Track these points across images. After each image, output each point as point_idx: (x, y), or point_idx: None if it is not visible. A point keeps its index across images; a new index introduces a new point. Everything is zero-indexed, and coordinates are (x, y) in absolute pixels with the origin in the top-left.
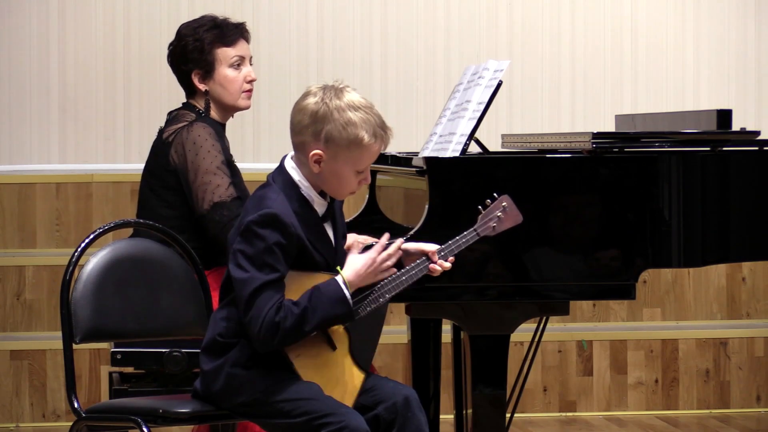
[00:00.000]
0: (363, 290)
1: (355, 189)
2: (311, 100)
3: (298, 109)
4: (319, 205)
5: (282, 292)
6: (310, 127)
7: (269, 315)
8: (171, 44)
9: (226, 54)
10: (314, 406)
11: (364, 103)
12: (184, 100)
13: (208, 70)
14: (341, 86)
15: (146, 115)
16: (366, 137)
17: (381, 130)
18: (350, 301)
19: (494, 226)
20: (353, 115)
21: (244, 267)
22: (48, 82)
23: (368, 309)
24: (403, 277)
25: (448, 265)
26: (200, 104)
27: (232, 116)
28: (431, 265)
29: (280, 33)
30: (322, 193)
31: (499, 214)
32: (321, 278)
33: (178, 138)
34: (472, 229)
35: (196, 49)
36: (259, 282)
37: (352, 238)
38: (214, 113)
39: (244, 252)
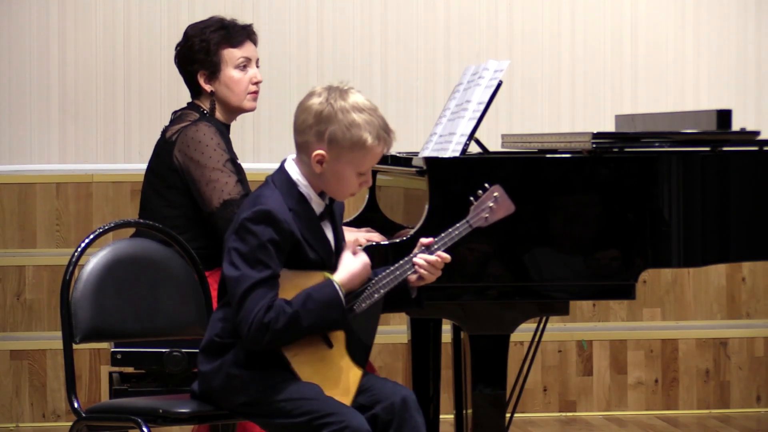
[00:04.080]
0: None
1: (356, 191)
2: (316, 100)
3: (302, 108)
4: (317, 204)
5: (275, 291)
6: (314, 127)
7: (259, 314)
8: (178, 44)
9: (232, 55)
10: (315, 406)
11: (369, 105)
12: (188, 100)
13: (213, 71)
14: (346, 87)
15: (146, 115)
16: (369, 139)
17: (384, 133)
18: (344, 306)
19: (486, 217)
20: (357, 117)
21: (236, 265)
22: (48, 82)
23: (363, 306)
24: (397, 272)
25: (433, 258)
26: (205, 105)
27: (236, 118)
28: (414, 259)
29: (280, 33)
30: (321, 194)
31: (491, 204)
32: (316, 277)
33: (182, 137)
34: (464, 220)
35: (203, 49)
36: (251, 281)
37: (353, 235)
38: (219, 114)
39: (238, 250)
